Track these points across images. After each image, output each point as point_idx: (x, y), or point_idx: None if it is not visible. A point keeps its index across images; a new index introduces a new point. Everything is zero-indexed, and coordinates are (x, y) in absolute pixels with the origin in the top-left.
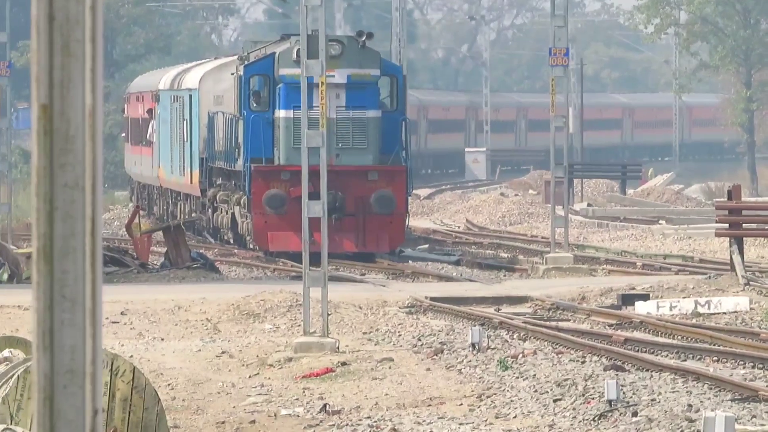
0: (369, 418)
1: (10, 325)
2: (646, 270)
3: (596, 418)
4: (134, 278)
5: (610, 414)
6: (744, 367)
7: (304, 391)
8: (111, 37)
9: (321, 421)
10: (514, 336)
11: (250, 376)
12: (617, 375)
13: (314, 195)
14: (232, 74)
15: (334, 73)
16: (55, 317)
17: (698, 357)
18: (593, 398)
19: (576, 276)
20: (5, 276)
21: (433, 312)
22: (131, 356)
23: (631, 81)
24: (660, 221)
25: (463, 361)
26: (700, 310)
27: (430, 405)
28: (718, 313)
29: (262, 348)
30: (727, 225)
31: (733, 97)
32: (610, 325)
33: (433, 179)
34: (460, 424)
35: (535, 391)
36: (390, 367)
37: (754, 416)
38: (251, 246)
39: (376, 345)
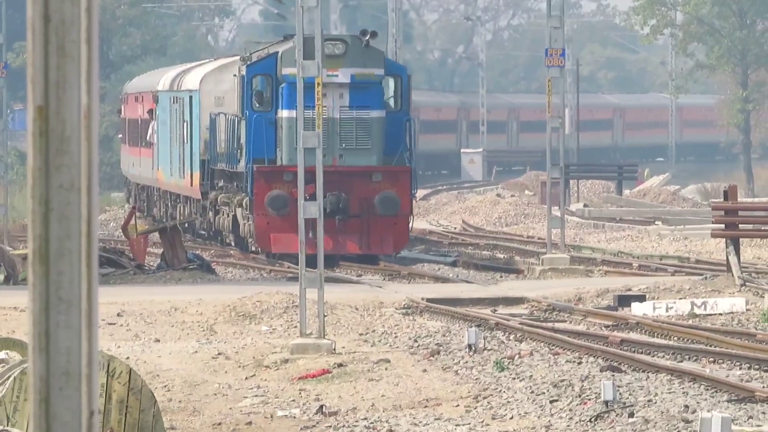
0: (365, 419)
1: (6, 326)
2: (642, 271)
3: (593, 419)
4: (130, 280)
5: (606, 415)
6: (740, 368)
7: (300, 393)
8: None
9: (317, 423)
10: (511, 337)
11: (246, 378)
12: (614, 376)
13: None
14: (235, 75)
15: (338, 72)
16: (51, 319)
17: (694, 358)
18: (590, 399)
19: (572, 277)
20: (1, 278)
21: (430, 313)
22: (127, 358)
23: (627, 82)
24: (656, 222)
25: (459, 362)
26: (697, 311)
27: (426, 406)
28: (715, 314)
29: (259, 349)
30: (723, 226)
31: (730, 98)
32: (607, 326)
33: (424, 180)
34: (457, 425)
35: (532, 392)
36: (386, 369)
37: (750, 417)
38: (253, 248)
39: (372, 346)
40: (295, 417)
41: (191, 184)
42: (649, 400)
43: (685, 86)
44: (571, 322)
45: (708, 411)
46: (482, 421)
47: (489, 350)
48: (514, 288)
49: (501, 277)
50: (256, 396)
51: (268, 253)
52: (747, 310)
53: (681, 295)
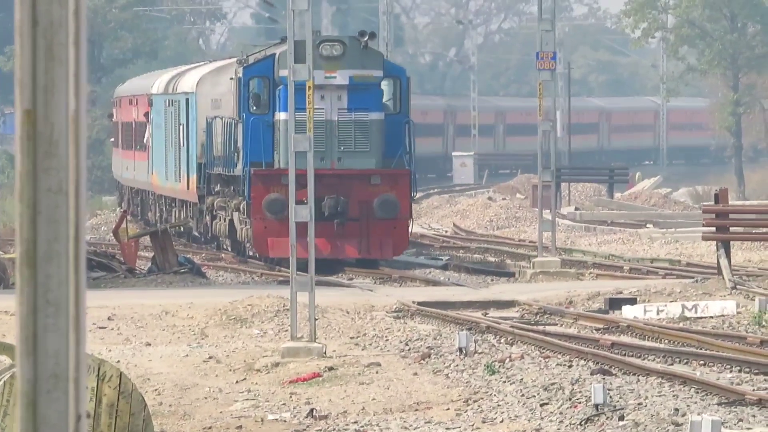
0: (356, 423)
1: None
2: (633, 274)
3: (583, 422)
4: (121, 283)
5: (596, 418)
6: (731, 371)
7: (291, 396)
8: (98, 41)
9: (308, 426)
10: (502, 340)
11: (237, 381)
12: (604, 379)
13: (316, 200)
14: (231, 78)
15: (336, 74)
16: (39, 322)
17: (685, 361)
18: (580, 402)
19: (563, 280)
20: None
21: (421, 316)
22: (118, 361)
23: (618, 85)
24: (647, 225)
25: (450, 365)
26: (687, 314)
27: (417, 410)
28: (705, 317)
29: (249, 353)
30: (714, 228)
31: (721, 101)
32: (597, 329)
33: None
34: (447, 428)
35: (522, 395)
36: (377, 372)
37: (740, 420)
38: (251, 253)
39: (363, 350)
40: (285, 421)
41: (188, 188)
42: (639, 404)
43: (676, 89)
44: (562, 325)
45: (698, 414)
46: (473, 425)
47: (480, 353)
48: (505, 291)
49: (492, 280)
50: (246, 400)
51: (266, 257)
52: (738, 313)
53: (672, 298)
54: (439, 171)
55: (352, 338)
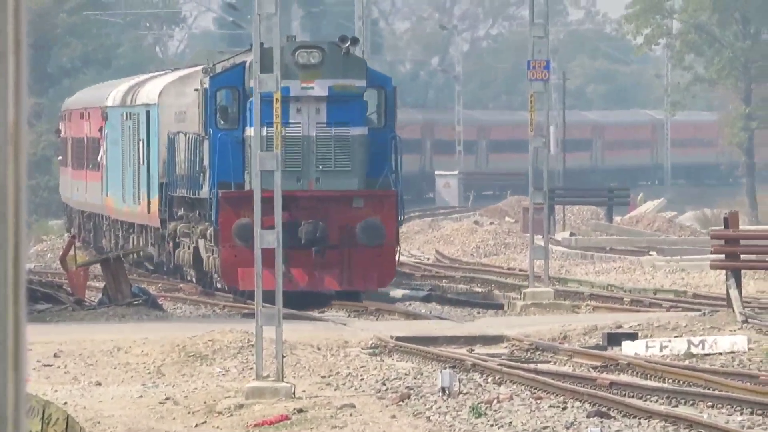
0: None
1: None
2: (634, 306)
3: None
4: (69, 316)
5: None
6: (741, 414)
7: None
8: (45, 48)
9: None
10: (489, 379)
11: (196, 425)
12: (602, 422)
13: (292, 225)
14: (196, 89)
15: (314, 84)
16: None
17: (691, 402)
18: None
19: (557, 313)
20: None
21: (399, 353)
22: (65, 403)
23: (618, 96)
24: (650, 252)
25: (432, 407)
26: (694, 350)
27: None
28: (714, 354)
29: (210, 394)
30: (723, 256)
31: (731, 115)
32: (595, 368)
33: None
34: None
35: None
36: (351, 415)
37: None
38: (218, 285)
39: (336, 390)
40: None
41: (148, 211)
42: None
43: (682, 102)
44: (555, 363)
45: None
46: None
47: (465, 394)
48: (493, 325)
49: (478, 313)
50: None
51: (236, 290)
52: (749, 349)
53: (677, 332)
54: (416, 191)
55: (323, 377)
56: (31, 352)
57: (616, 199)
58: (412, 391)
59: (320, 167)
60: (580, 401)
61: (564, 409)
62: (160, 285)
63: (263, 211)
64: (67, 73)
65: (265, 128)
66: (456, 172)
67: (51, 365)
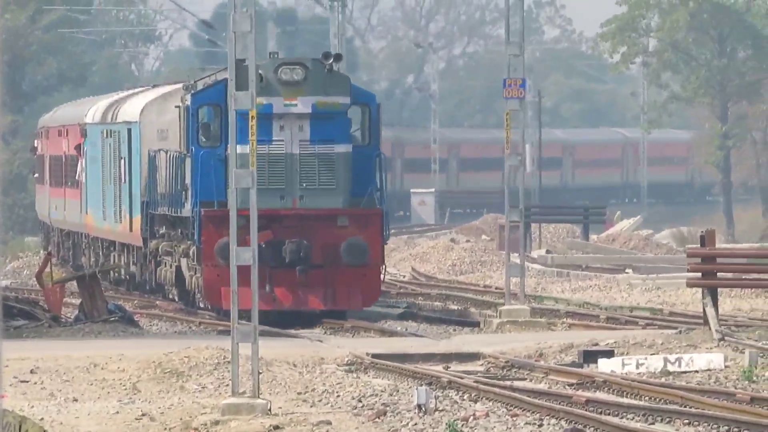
0: None
1: None
2: (610, 324)
3: None
4: (45, 333)
5: None
6: (718, 431)
7: None
8: (20, 66)
9: None
10: (465, 397)
11: None
12: None
13: (276, 243)
14: (177, 106)
15: (297, 101)
16: None
17: (668, 420)
18: None
19: (533, 330)
20: None
21: (375, 370)
22: (41, 419)
23: (594, 115)
24: (626, 270)
25: (408, 424)
26: (670, 368)
27: None
28: (690, 372)
29: (187, 410)
30: (700, 274)
31: (707, 133)
32: (571, 385)
33: None
34: None
35: None
36: (327, 431)
37: None
38: (201, 304)
39: (312, 407)
40: None
41: (130, 230)
42: None
43: (658, 120)
44: (531, 381)
45: None
46: None
47: (441, 411)
48: (469, 342)
49: (454, 330)
50: None
51: (219, 309)
52: (726, 367)
53: (653, 350)
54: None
55: (299, 394)
56: (8, 368)
57: (591, 217)
58: (388, 408)
59: (304, 185)
60: (557, 418)
61: (540, 426)
62: (136, 302)
63: (248, 230)
64: (42, 90)
65: (248, 146)
66: (432, 190)
67: (27, 381)
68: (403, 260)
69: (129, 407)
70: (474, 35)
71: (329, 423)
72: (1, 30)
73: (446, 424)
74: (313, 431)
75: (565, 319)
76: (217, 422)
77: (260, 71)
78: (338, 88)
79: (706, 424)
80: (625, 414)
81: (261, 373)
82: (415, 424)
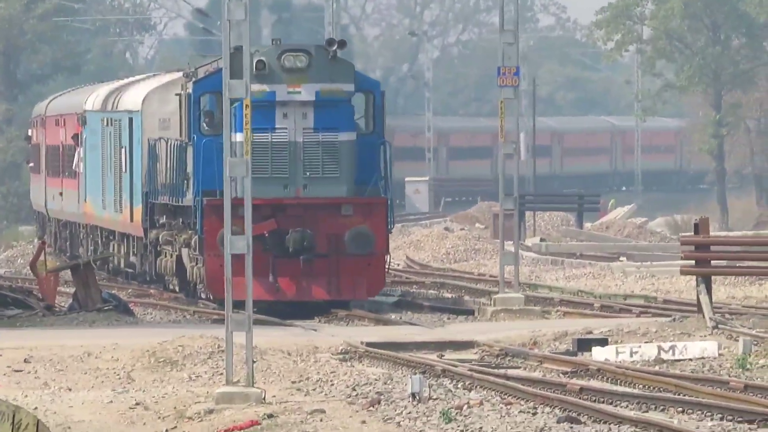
0: None
1: None
2: (604, 312)
3: None
4: (39, 322)
5: None
6: (712, 419)
7: None
8: (14, 55)
9: None
10: (459, 385)
11: (167, 430)
12: (572, 428)
13: (279, 233)
14: (177, 94)
15: (300, 89)
16: None
17: (661, 408)
18: None
19: (527, 319)
20: None
21: (369, 359)
22: (35, 408)
23: (588, 103)
24: (620, 258)
25: (402, 412)
26: (664, 356)
27: None
28: (684, 360)
29: (181, 399)
30: (693, 262)
31: (701, 121)
32: (565, 373)
33: None
34: None
35: None
36: (321, 420)
37: None
38: (203, 295)
39: (306, 395)
40: None
41: (131, 220)
42: None
43: (653, 108)
44: (525, 369)
45: None
46: None
47: (435, 400)
48: (463, 331)
49: (448, 318)
50: None
51: (221, 300)
52: (720, 355)
53: (647, 338)
54: None
55: (293, 382)
56: (1, 357)
57: (586, 205)
58: (382, 397)
59: (308, 174)
60: (551, 407)
61: (534, 414)
62: (130, 291)
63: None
64: (37, 79)
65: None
66: (426, 179)
67: (21, 370)
68: (397, 248)
69: (123, 396)
70: (468, 23)
71: (323, 411)
72: None
73: (440, 412)
74: (307, 420)
75: (559, 307)
76: (211, 411)
77: (263, 58)
78: (342, 75)
79: (699, 411)
80: (619, 402)
81: (255, 361)
82: (409, 412)
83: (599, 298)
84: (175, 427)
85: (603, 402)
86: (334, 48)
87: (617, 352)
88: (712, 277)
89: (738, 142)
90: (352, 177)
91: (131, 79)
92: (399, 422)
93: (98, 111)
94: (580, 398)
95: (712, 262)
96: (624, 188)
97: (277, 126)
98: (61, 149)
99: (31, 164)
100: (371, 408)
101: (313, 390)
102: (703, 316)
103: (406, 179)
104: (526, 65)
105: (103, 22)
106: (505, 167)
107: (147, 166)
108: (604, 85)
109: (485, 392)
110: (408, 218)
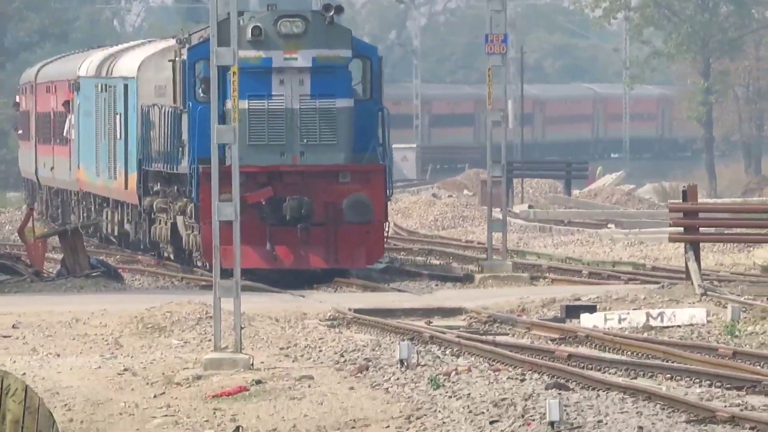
0: None
1: None
2: (592, 279)
3: None
4: (27, 288)
5: None
6: (700, 386)
7: (214, 412)
8: (1, 23)
9: None
10: (447, 351)
11: (155, 396)
12: (560, 394)
13: (276, 201)
14: (170, 61)
15: (297, 55)
16: None
17: (650, 374)
18: (533, 420)
19: (515, 285)
20: None
21: (358, 325)
22: (24, 374)
23: (576, 71)
24: (609, 225)
25: (390, 378)
26: (652, 322)
27: (353, 427)
28: (672, 327)
29: (169, 365)
30: (682, 229)
31: (689, 89)
32: (553, 340)
33: None
34: None
35: (470, 411)
36: (309, 386)
37: None
38: (199, 263)
39: (294, 361)
40: None
41: (125, 187)
42: (599, 421)
43: (641, 75)
44: (513, 335)
45: None
46: None
47: (423, 366)
48: (451, 298)
49: (436, 285)
50: (166, 416)
51: (223, 270)
52: (708, 321)
53: (635, 305)
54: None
55: (281, 349)
56: None
57: (574, 172)
58: (370, 363)
59: (305, 141)
60: (539, 373)
61: (522, 381)
62: (118, 257)
63: (248, 187)
64: (24, 47)
65: (247, 101)
66: (413, 146)
67: (9, 336)
68: None
69: (111, 362)
70: None
71: (311, 378)
72: None
73: (428, 378)
74: (296, 386)
75: (547, 274)
76: (199, 377)
77: (259, 24)
78: (339, 41)
79: (688, 378)
80: (607, 369)
81: (243, 328)
82: (398, 378)
83: (587, 265)
84: (164, 392)
85: (591, 369)
86: (331, 14)
87: (605, 319)
88: (701, 244)
89: (726, 110)
90: (350, 144)
91: (126, 45)
92: (387, 388)
93: (92, 77)
94: (568, 365)
95: (701, 229)
96: (615, 154)
97: (273, 93)
98: (52, 116)
99: (20, 131)
100: (359, 374)
101: (301, 356)
102: (692, 283)
103: (394, 146)
104: (514, 33)
105: None
106: (492, 135)
107: (141, 133)
108: (592, 52)
109: (473, 359)
110: (396, 185)
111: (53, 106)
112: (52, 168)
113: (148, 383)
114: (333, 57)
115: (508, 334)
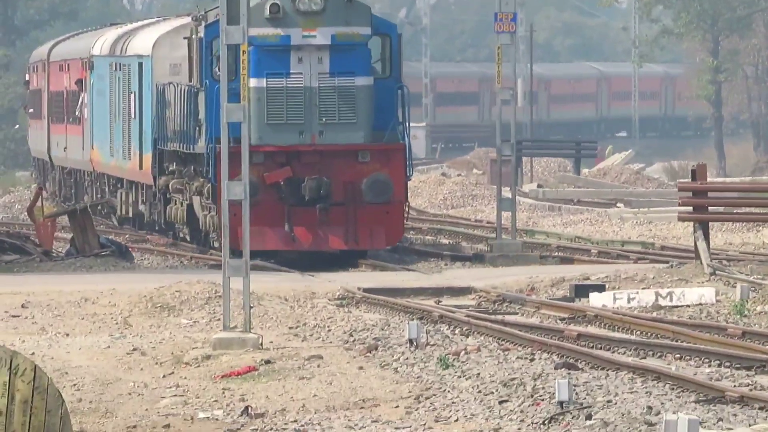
0: (295, 421)
1: None
2: (601, 258)
3: (546, 422)
4: (37, 267)
5: (561, 417)
6: (709, 365)
7: (224, 392)
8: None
9: (243, 425)
10: (456, 331)
11: (164, 376)
12: (569, 374)
13: (295, 181)
14: (186, 38)
15: (315, 32)
16: None
17: (659, 354)
18: (543, 399)
19: (524, 265)
20: None
21: (367, 304)
22: (33, 353)
23: (585, 49)
24: (618, 204)
25: (399, 358)
26: (662, 302)
27: (362, 407)
28: (681, 306)
29: (178, 344)
30: (691, 208)
31: (699, 67)
32: (562, 319)
33: None
34: (396, 428)
35: (479, 391)
36: (319, 366)
37: (720, 419)
38: (215, 244)
39: (303, 341)
40: (218, 419)
41: (140, 167)
42: (608, 401)
43: (650, 54)
44: (522, 315)
45: (674, 413)
46: (424, 424)
47: (432, 345)
48: (460, 277)
49: (446, 264)
50: (174, 396)
51: (234, 250)
52: (717, 301)
53: (644, 284)
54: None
55: (291, 328)
56: None
57: (583, 151)
58: (379, 343)
59: (323, 120)
60: (548, 353)
61: (531, 360)
62: (127, 236)
63: (266, 167)
64: (34, 25)
65: (265, 79)
66: (423, 124)
67: (19, 316)
68: None
69: (120, 342)
70: None
71: (320, 357)
72: None
73: (438, 358)
74: (305, 365)
75: (556, 253)
76: (208, 356)
77: (277, 1)
78: (359, 18)
79: (697, 358)
80: (616, 348)
81: (252, 307)
82: (407, 358)
83: (596, 245)
84: (173, 372)
85: (600, 348)
86: None
87: (615, 299)
88: (710, 224)
89: (735, 89)
90: (370, 123)
91: (140, 23)
92: (396, 368)
93: (106, 56)
94: (577, 344)
95: (710, 208)
96: (619, 133)
97: (291, 71)
98: (65, 95)
99: (31, 110)
100: (368, 354)
101: (311, 336)
102: (701, 263)
103: None
104: (524, 11)
105: None
106: (501, 113)
107: (156, 112)
108: (602, 31)
109: (482, 338)
110: None
111: (66, 85)
112: (65, 148)
113: (157, 363)
114: (352, 34)
115: (517, 314)
